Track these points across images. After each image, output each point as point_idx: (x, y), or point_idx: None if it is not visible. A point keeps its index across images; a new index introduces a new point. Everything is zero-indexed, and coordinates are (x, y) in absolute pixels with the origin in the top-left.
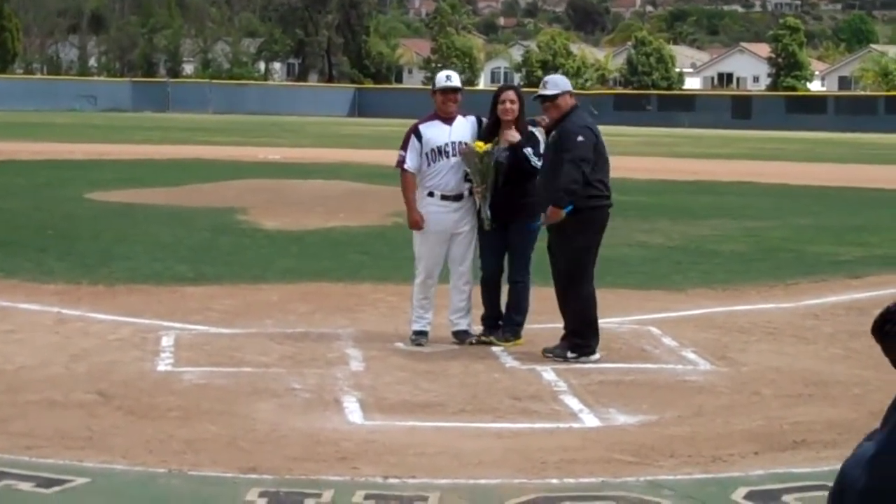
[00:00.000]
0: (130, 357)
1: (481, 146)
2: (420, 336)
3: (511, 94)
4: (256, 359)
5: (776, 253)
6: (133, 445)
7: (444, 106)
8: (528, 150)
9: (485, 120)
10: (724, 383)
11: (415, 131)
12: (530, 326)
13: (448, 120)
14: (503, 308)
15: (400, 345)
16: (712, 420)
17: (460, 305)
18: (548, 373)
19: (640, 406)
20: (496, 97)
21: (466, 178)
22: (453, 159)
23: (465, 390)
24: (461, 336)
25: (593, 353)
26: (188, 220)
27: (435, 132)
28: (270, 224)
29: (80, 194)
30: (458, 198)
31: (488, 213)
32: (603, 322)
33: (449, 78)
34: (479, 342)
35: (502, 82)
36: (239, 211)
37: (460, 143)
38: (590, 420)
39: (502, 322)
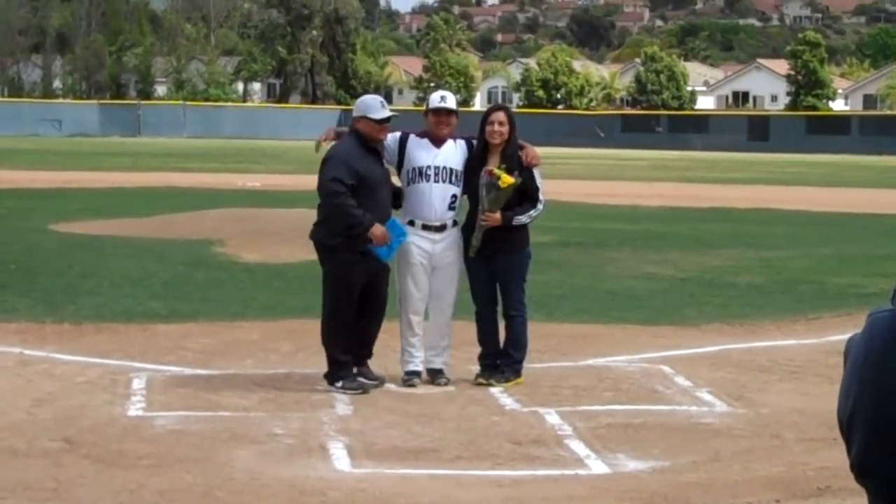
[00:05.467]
0: (99, 401)
1: (508, 181)
2: (412, 376)
3: (500, 116)
4: (235, 402)
5: (797, 285)
6: (102, 497)
7: (436, 128)
8: (521, 218)
9: (475, 142)
10: (743, 426)
11: (403, 136)
12: (532, 366)
13: (438, 142)
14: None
15: (391, 386)
16: (730, 466)
17: (437, 342)
18: (551, 415)
19: (651, 451)
20: (485, 119)
21: (451, 207)
22: (435, 185)
23: (462, 435)
24: (433, 375)
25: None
26: (161, 253)
27: (421, 152)
28: (250, 257)
29: (43, 226)
30: (440, 228)
31: (480, 239)
32: (610, 360)
33: (444, 99)
34: (478, 384)
35: (499, 103)
36: (216, 243)
37: (487, 169)
38: (597, 466)
39: (500, 361)
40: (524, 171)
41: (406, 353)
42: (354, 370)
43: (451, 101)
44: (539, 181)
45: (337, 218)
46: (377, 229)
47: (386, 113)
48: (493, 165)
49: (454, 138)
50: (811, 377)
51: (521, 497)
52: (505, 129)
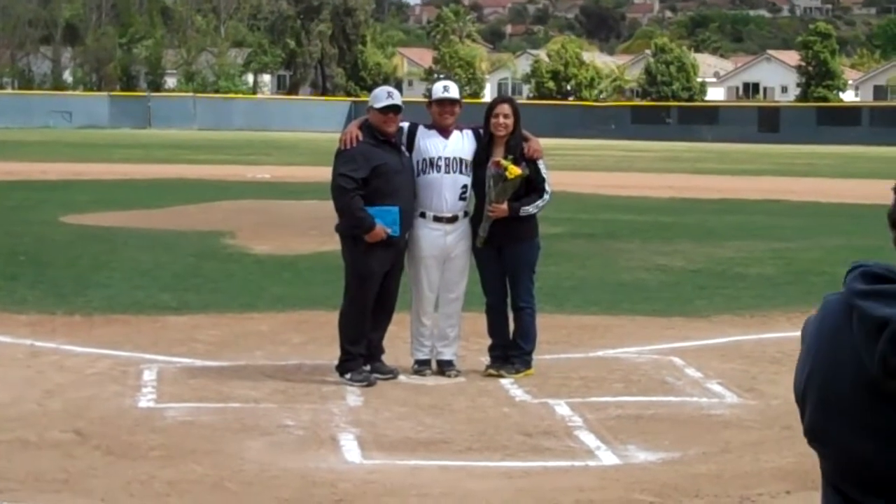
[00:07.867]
0: (109, 392)
1: (515, 172)
2: (423, 366)
3: (505, 108)
4: (245, 393)
5: (807, 276)
6: (112, 488)
7: (440, 118)
8: (528, 208)
9: (482, 132)
10: (753, 417)
11: (412, 127)
12: (542, 357)
13: (445, 133)
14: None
15: (402, 377)
16: (740, 457)
17: (447, 333)
18: (561, 407)
19: (661, 442)
20: (490, 111)
21: (461, 198)
22: (446, 176)
23: (472, 426)
24: (444, 366)
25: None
26: (171, 244)
27: (430, 142)
28: (260, 248)
29: (54, 217)
30: (452, 220)
31: (487, 230)
32: (620, 352)
33: (447, 89)
34: (488, 375)
35: (504, 95)
36: (226, 234)
37: (494, 160)
38: (607, 458)
39: (510, 352)
40: (529, 163)
41: (416, 342)
42: (367, 367)
43: (454, 91)
44: (544, 172)
45: (342, 214)
46: (377, 233)
47: (387, 102)
48: (499, 157)
49: (460, 128)
50: None
51: (532, 488)
52: (510, 121)
